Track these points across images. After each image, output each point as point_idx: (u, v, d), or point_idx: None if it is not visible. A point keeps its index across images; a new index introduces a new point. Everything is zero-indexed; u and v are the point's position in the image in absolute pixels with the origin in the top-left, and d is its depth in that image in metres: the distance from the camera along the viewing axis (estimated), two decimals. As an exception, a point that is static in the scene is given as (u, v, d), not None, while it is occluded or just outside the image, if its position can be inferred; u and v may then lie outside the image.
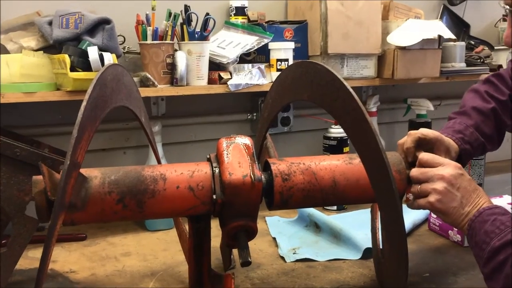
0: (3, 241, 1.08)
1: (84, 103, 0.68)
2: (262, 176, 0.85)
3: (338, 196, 0.88)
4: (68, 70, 1.09)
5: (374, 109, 1.60)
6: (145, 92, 1.21)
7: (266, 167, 0.89)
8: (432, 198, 0.84)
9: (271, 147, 1.03)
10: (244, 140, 0.87)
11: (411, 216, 1.28)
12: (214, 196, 0.81)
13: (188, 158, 1.44)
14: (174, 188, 0.82)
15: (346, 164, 0.89)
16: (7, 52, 1.18)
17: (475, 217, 0.80)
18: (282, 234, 1.25)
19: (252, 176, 0.81)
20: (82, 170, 0.81)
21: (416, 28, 1.44)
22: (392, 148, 1.73)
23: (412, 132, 0.98)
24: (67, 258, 1.14)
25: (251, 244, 1.19)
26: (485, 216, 0.79)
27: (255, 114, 1.52)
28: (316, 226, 1.28)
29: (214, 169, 0.84)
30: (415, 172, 0.88)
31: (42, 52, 1.20)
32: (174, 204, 0.82)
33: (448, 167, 0.86)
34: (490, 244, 0.76)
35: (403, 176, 0.90)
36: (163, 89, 1.24)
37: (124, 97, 0.86)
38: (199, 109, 1.47)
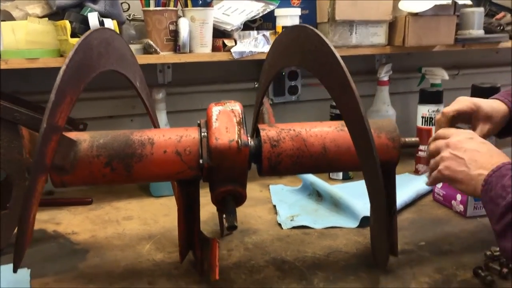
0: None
1: (63, 67, 0.68)
2: (251, 142, 0.85)
3: (328, 163, 0.87)
4: (69, 36, 1.10)
5: (386, 78, 1.56)
6: (147, 59, 1.21)
7: (257, 133, 0.88)
8: (441, 166, 0.85)
9: (267, 113, 1.02)
10: (233, 106, 0.86)
11: (415, 186, 1.27)
12: (201, 161, 0.82)
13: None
14: (161, 152, 0.82)
15: (338, 131, 0.88)
16: (13, 19, 1.20)
17: (493, 172, 0.76)
18: (283, 202, 1.25)
19: (239, 141, 0.81)
20: (72, 134, 0.83)
21: (429, -7, 1.39)
22: (405, 118, 1.71)
23: (445, 110, 0.97)
24: (71, 221, 1.17)
25: (251, 211, 1.21)
26: (504, 170, 0.75)
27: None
28: (318, 195, 1.27)
29: (202, 134, 0.84)
30: (430, 147, 0.90)
31: (47, 19, 1.21)
32: (161, 168, 0.83)
33: (456, 135, 0.85)
34: (506, 199, 0.71)
35: (396, 144, 0.88)
36: (165, 56, 1.24)
37: (115, 62, 0.87)
38: (205, 77, 1.47)
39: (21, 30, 1.17)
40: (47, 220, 1.18)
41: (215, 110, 0.86)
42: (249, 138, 0.84)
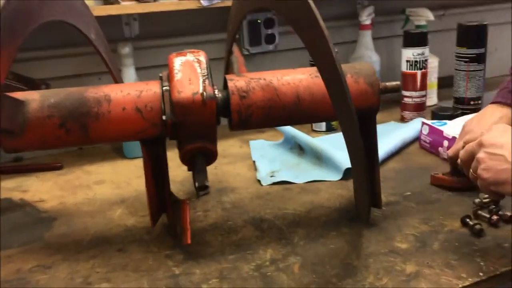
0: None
1: (-6, 16, 0.60)
2: (217, 94, 0.77)
3: (303, 113, 0.80)
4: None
5: (368, 22, 1.47)
6: (107, 10, 1.12)
7: (225, 85, 0.81)
8: (479, 171, 0.70)
9: (236, 62, 0.94)
10: (197, 56, 0.79)
11: (401, 134, 1.21)
12: (164, 117, 0.75)
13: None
14: (119, 109, 0.75)
15: (312, 78, 0.81)
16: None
17: None
18: (263, 157, 1.19)
19: (204, 93, 0.74)
20: (20, 94, 0.75)
21: None
22: (390, 64, 1.64)
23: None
24: (39, 188, 1.11)
25: (230, 168, 1.15)
26: None
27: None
28: (300, 148, 1.21)
29: (164, 88, 0.77)
30: (461, 155, 0.76)
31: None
32: (121, 127, 0.76)
33: (487, 132, 0.73)
34: None
35: (376, 89, 0.81)
36: (127, 7, 1.15)
37: (61, 10, 0.78)
38: (174, 29, 1.37)
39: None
40: (13, 188, 1.11)
41: (177, 61, 0.78)
42: (215, 90, 0.77)
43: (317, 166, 1.12)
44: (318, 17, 0.64)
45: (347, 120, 0.66)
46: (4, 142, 0.73)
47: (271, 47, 1.46)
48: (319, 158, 1.14)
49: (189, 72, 0.76)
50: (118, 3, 1.13)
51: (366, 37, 1.48)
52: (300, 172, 1.10)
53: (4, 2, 0.62)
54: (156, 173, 0.83)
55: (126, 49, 1.22)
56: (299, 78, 0.80)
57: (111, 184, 1.11)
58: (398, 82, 0.84)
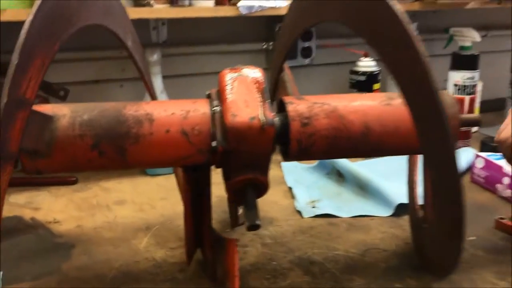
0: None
1: (29, 18, 0.49)
2: (276, 119, 0.67)
3: (371, 146, 0.69)
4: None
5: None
6: (138, 12, 1.01)
7: (281, 108, 0.70)
8: None
9: (289, 81, 0.84)
10: (253, 73, 0.68)
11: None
12: (214, 143, 0.64)
13: (193, 94, 1.25)
14: (162, 132, 0.64)
15: (383, 106, 0.70)
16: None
17: None
18: (299, 183, 1.08)
19: (262, 118, 0.63)
20: (47, 107, 0.64)
21: None
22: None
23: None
24: (52, 205, 1.00)
25: (263, 195, 1.04)
26: None
27: (271, 43, 1.31)
28: (339, 175, 1.11)
29: (214, 108, 0.66)
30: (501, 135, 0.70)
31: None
32: (163, 152, 0.65)
33: None
34: None
35: (457, 122, 0.70)
36: (160, 10, 1.04)
37: (100, 13, 0.67)
38: (206, 36, 1.26)
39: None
40: (23, 204, 1.00)
41: (230, 77, 0.67)
42: (273, 114, 0.66)
43: (361, 197, 1.02)
44: (413, 34, 0.53)
45: (443, 160, 0.55)
46: (27, 163, 0.62)
47: (307, 61, 1.35)
48: (363, 188, 1.03)
49: (245, 92, 0.65)
50: (150, 6, 1.02)
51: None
52: (343, 203, 0.99)
53: (38, 2, 0.51)
54: (196, 203, 0.73)
55: (154, 56, 1.12)
56: (369, 105, 0.70)
57: (133, 206, 1.00)
58: (478, 115, 0.73)
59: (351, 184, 1.06)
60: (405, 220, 0.91)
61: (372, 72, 1.20)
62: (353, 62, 1.24)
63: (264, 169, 0.69)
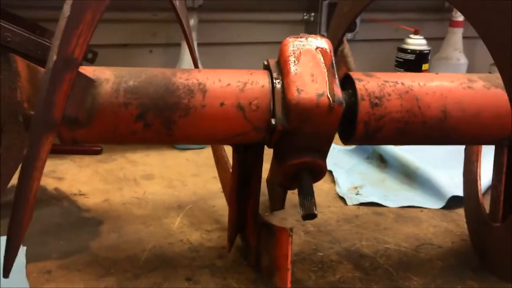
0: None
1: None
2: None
3: (448, 133, 0.62)
4: None
5: (461, 18, 1.28)
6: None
7: (347, 84, 0.62)
8: None
9: (350, 56, 0.75)
10: (320, 43, 0.60)
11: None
12: (273, 121, 0.57)
13: (227, 64, 1.18)
14: (216, 104, 0.57)
15: (464, 89, 0.62)
16: None
17: None
18: (338, 167, 1.01)
19: (330, 96, 0.56)
20: (88, 69, 0.57)
21: None
22: (479, 70, 1.44)
23: None
24: (76, 176, 0.93)
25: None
26: None
27: (312, 14, 1.22)
28: (381, 160, 1.03)
29: (274, 81, 0.58)
30: None
31: None
32: (216, 127, 0.58)
33: None
34: None
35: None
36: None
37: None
38: (244, 3, 1.17)
39: None
40: (46, 173, 0.93)
41: (294, 47, 0.59)
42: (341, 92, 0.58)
43: (407, 186, 0.94)
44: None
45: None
46: (64, 132, 0.55)
47: (349, 35, 1.27)
48: (409, 176, 0.96)
49: (311, 65, 0.58)
50: (193, -36, 0.94)
51: (456, 35, 1.29)
52: (388, 191, 0.92)
53: None
54: (244, 186, 0.66)
55: (191, 21, 1.03)
56: (448, 87, 0.62)
57: (162, 181, 0.93)
58: None
59: (395, 171, 0.99)
60: (458, 214, 0.84)
61: (422, 51, 1.12)
62: (400, 40, 1.15)
63: (324, 153, 0.62)
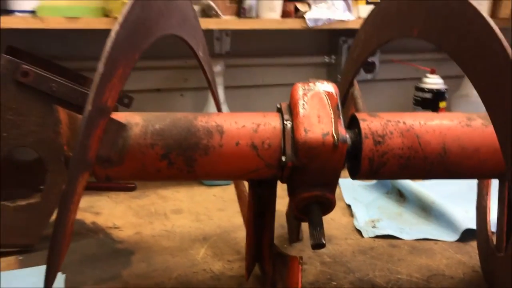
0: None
1: (116, 27, 0.50)
2: (348, 136, 0.65)
3: (447, 168, 0.66)
4: (117, -8, 0.91)
5: (479, 57, 1.32)
6: (206, 23, 1.02)
7: (353, 124, 0.68)
8: None
9: (359, 98, 0.81)
10: (327, 87, 0.66)
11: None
12: (284, 158, 0.63)
13: (253, 106, 1.26)
14: (233, 144, 0.63)
15: (462, 127, 0.67)
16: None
17: None
18: (358, 201, 1.05)
19: (335, 135, 0.61)
20: (120, 115, 0.65)
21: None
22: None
23: None
24: (112, 211, 1.01)
25: (321, 211, 1.02)
26: None
27: (333, 57, 1.29)
28: (399, 195, 1.07)
29: (285, 123, 0.64)
30: None
31: (91, -28, 1.03)
32: (232, 164, 0.64)
33: None
34: None
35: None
36: (227, 21, 1.05)
37: (177, 24, 0.68)
38: (269, 48, 1.26)
39: (61, -17, 1.00)
40: (85, 208, 1.02)
41: (303, 91, 0.66)
42: (346, 131, 0.64)
43: (423, 219, 0.98)
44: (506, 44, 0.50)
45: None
46: (98, 170, 0.63)
47: (369, 76, 1.33)
48: (425, 210, 0.99)
49: (318, 107, 0.64)
50: (218, 16, 1.03)
51: None
52: (404, 224, 0.96)
53: (127, 9, 0.51)
54: (259, 218, 0.72)
55: (217, 67, 1.12)
56: (447, 125, 0.67)
57: (190, 215, 1.00)
58: None
59: (413, 205, 1.02)
60: (472, 246, 0.87)
61: (439, 89, 1.16)
62: (418, 79, 1.20)
63: (332, 187, 0.67)
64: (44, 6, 0.94)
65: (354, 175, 0.69)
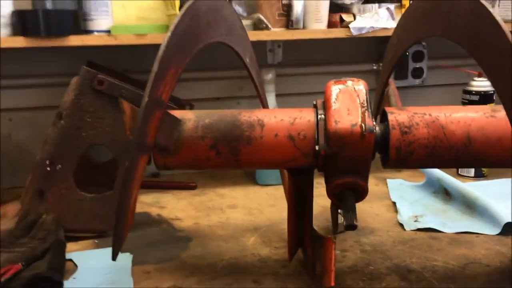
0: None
1: (168, 34, 0.60)
2: (376, 127, 0.71)
3: (472, 156, 0.71)
4: (177, 10, 1.04)
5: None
6: (257, 35, 1.12)
7: (383, 117, 0.75)
8: None
9: (393, 95, 0.88)
10: (356, 84, 0.74)
11: None
12: (317, 147, 0.71)
13: (304, 111, 1.34)
14: (272, 135, 0.72)
15: (487, 118, 0.71)
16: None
17: None
18: (404, 199, 1.10)
19: (363, 125, 0.68)
20: (176, 112, 0.76)
21: None
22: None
23: None
24: (175, 206, 1.12)
25: (366, 207, 1.08)
26: None
27: (381, 64, 1.35)
28: (446, 194, 1.10)
29: (319, 116, 0.72)
30: None
31: (158, -6, 1.17)
32: (272, 154, 0.73)
33: None
34: None
35: None
36: (276, 33, 1.14)
37: (224, 32, 0.78)
38: (318, 58, 1.34)
39: (132, 5, 1.14)
40: (151, 203, 1.14)
41: (335, 88, 0.73)
42: (374, 122, 0.71)
43: (468, 215, 1.00)
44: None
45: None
46: (158, 158, 0.73)
47: (417, 81, 1.37)
48: (470, 207, 1.02)
49: (348, 101, 0.71)
50: (268, 29, 1.13)
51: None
52: (448, 220, 0.99)
53: (177, 20, 0.62)
54: (299, 205, 0.79)
55: (269, 76, 1.21)
56: (471, 116, 0.72)
57: (244, 210, 1.09)
58: None
59: (459, 203, 1.05)
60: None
61: (486, 91, 1.18)
62: (466, 83, 1.23)
63: (364, 174, 0.74)
64: (117, 26, 1.08)
65: (385, 164, 0.75)
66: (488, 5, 0.59)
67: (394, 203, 1.08)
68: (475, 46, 0.63)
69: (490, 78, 0.61)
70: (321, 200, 0.86)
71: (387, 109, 0.75)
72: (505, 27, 0.56)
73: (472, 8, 0.61)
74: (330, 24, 1.19)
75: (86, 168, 1.05)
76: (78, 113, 0.92)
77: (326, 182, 0.75)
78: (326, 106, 0.72)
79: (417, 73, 1.36)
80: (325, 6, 1.16)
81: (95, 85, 0.92)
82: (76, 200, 0.94)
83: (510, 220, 0.91)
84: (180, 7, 1.04)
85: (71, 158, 0.93)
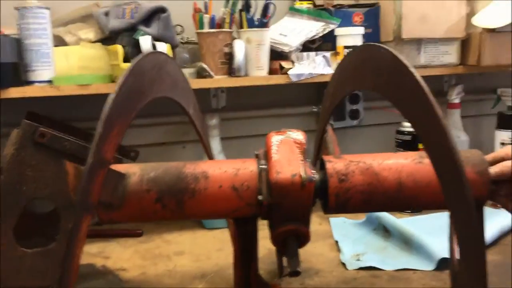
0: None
1: (112, 96, 0.62)
2: (315, 176, 0.75)
3: (404, 200, 0.76)
4: (121, 61, 1.05)
5: (457, 101, 1.43)
6: (201, 83, 1.15)
7: (322, 166, 0.79)
8: None
9: (331, 142, 0.92)
10: (296, 135, 0.78)
11: (498, 222, 1.12)
12: (260, 197, 0.73)
13: (248, 154, 1.36)
14: (216, 187, 0.74)
15: (415, 164, 0.77)
16: (65, 44, 1.18)
17: None
18: (346, 237, 1.14)
19: (302, 175, 0.72)
20: (121, 166, 0.76)
21: (507, 8, 1.26)
22: (477, 144, 1.57)
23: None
24: (120, 255, 1.11)
25: (310, 247, 1.10)
26: None
27: (321, 107, 1.41)
28: (385, 230, 1.15)
29: (261, 167, 0.75)
30: (497, 168, 0.74)
31: (100, 43, 1.18)
32: (216, 205, 0.75)
33: None
34: None
35: (486, 179, 0.76)
36: (219, 80, 1.18)
37: (168, 88, 0.80)
38: (261, 102, 1.39)
39: (74, 55, 1.14)
40: (96, 253, 1.12)
41: (275, 139, 0.77)
42: (313, 171, 0.74)
43: (406, 252, 1.05)
44: (435, 106, 0.61)
45: (464, 214, 0.61)
46: (101, 214, 0.74)
47: (355, 122, 1.44)
48: (408, 243, 1.07)
49: (288, 152, 0.75)
50: (211, 77, 1.16)
51: (455, 115, 1.43)
52: (387, 257, 1.04)
53: (122, 80, 0.64)
54: (245, 253, 0.81)
55: (213, 121, 1.24)
56: (402, 163, 0.77)
57: (191, 256, 1.09)
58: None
59: (397, 239, 1.10)
60: (446, 274, 0.94)
61: (416, 132, 1.26)
62: (399, 123, 1.30)
63: (305, 221, 0.77)
64: (60, 76, 1.08)
65: (325, 210, 0.79)
66: (407, 63, 0.64)
67: (336, 242, 1.12)
68: (400, 100, 0.68)
69: (415, 130, 0.67)
70: (267, 243, 0.87)
71: (325, 157, 0.79)
72: (423, 83, 0.62)
73: (394, 65, 0.66)
74: (271, 71, 1.24)
75: (28, 219, 1.02)
76: (19, 168, 0.90)
77: (270, 229, 0.78)
78: (267, 157, 0.75)
79: (354, 114, 1.43)
80: (265, 54, 1.21)
81: (36, 138, 0.91)
82: (16, 257, 0.91)
83: (444, 256, 0.96)
84: (124, 57, 1.06)
85: (11, 214, 0.90)
